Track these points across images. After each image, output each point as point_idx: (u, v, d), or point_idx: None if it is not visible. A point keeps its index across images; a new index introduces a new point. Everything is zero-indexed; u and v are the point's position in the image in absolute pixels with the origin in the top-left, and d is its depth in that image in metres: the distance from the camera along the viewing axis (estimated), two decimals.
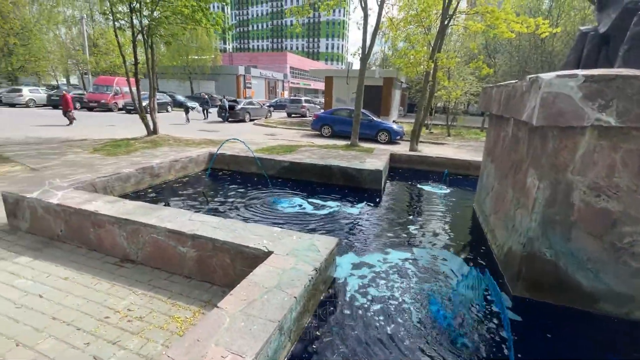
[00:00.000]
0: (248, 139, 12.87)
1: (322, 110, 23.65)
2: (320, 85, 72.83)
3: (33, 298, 2.63)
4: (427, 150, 11.86)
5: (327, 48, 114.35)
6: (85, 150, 9.09)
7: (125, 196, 4.86)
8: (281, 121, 22.48)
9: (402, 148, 12.79)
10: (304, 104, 27.82)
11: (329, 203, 4.93)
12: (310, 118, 26.80)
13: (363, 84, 11.33)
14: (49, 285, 2.81)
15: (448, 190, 5.84)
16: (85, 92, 25.95)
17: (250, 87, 44.12)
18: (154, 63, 11.26)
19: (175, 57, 35.23)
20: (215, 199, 5.01)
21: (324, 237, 2.85)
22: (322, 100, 37.79)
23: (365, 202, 5.15)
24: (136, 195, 4.95)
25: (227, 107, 20.40)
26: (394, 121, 20.43)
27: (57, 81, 40.60)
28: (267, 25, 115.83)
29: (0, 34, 23.06)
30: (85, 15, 31.95)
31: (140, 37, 10.89)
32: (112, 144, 9.98)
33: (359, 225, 4.22)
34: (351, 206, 4.85)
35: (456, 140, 17.97)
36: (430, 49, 10.33)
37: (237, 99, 23.88)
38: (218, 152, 6.07)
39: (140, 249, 3.12)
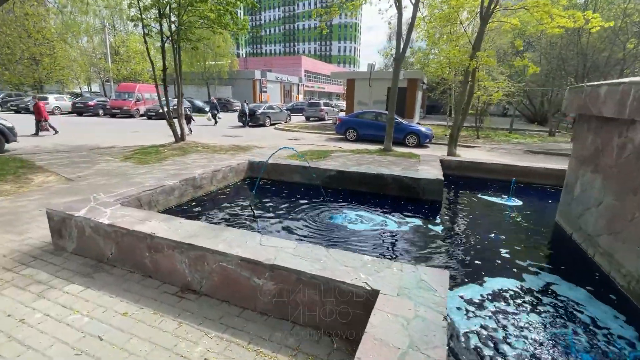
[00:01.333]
0: (272, 144, 12.53)
1: (344, 114, 23.22)
2: (335, 88, 72.65)
3: (93, 341, 2.24)
4: (461, 154, 11.22)
5: (339, 51, 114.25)
6: (115, 158, 8.89)
7: (169, 211, 4.50)
8: (301, 125, 22.13)
9: (434, 152, 12.19)
10: (322, 107, 27.45)
11: (389, 218, 4.44)
12: (330, 121, 26.48)
13: (397, 85, 10.81)
14: (107, 323, 2.42)
15: (517, 202, 5.25)
16: (107, 99, 26.33)
17: (265, 92, 44.18)
18: (181, 68, 11.05)
19: (194, 63, 35.59)
20: (265, 214, 4.59)
21: (431, 270, 2.36)
22: (337, 103, 37.46)
23: (427, 217, 4.65)
24: (180, 210, 4.59)
25: (247, 111, 20.19)
26: (418, 123, 19.81)
27: (80, 89, 41.59)
28: (279, 30, 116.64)
29: (27, 44, 23.63)
30: (107, 23, 32.59)
31: (167, 43, 10.72)
32: (141, 151, 9.77)
33: (432, 245, 3.71)
34: (414, 222, 4.35)
35: (486, 142, 17.18)
36: (471, 47, 9.74)
37: (258, 103, 23.71)
38: (269, 161, 5.64)
39: (205, 279, 2.71)
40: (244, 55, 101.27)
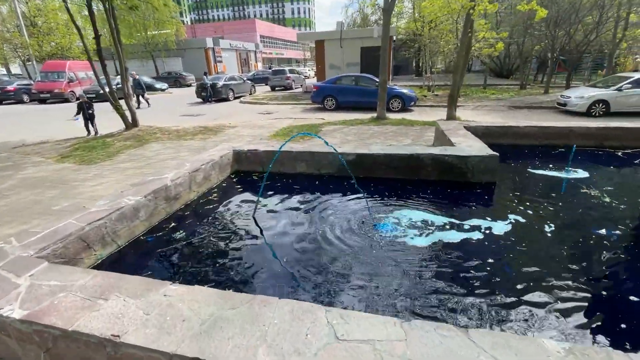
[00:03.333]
0: (246, 122, 10.78)
1: (312, 82, 21.40)
2: (294, 54, 68.62)
3: None
4: (434, 117, 10.25)
5: (292, 13, 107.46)
6: (48, 158, 6.84)
7: (135, 244, 3.00)
8: (270, 96, 20.07)
9: (422, 116, 11.17)
10: (288, 75, 25.26)
11: (454, 217, 3.29)
12: (299, 90, 24.49)
13: (387, 41, 9.39)
14: None
15: (581, 174, 4.31)
16: (32, 82, 22.08)
17: (221, 61, 40.25)
18: (119, 35, 8.70)
19: (133, 34, 30.87)
20: (282, 229, 3.23)
21: None
22: (299, 70, 34.99)
23: (490, 206, 3.57)
24: (154, 240, 3.10)
25: (209, 85, 17.77)
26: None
27: None
28: None
29: None
30: None
31: (96, 6, 8.24)
32: (84, 145, 7.70)
33: (541, 261, 2.64)
34: (483, 218, 3.24)
35: (467, 101, 16.52)
36: None
37: (217, 75, 21.09)
38: (282, 148, 4.06)
39: None
40: (189, 23, 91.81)
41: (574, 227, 3.11)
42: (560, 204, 3.56)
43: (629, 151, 5.03)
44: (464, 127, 5.69)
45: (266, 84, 28.04)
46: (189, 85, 31.22)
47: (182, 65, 37.05)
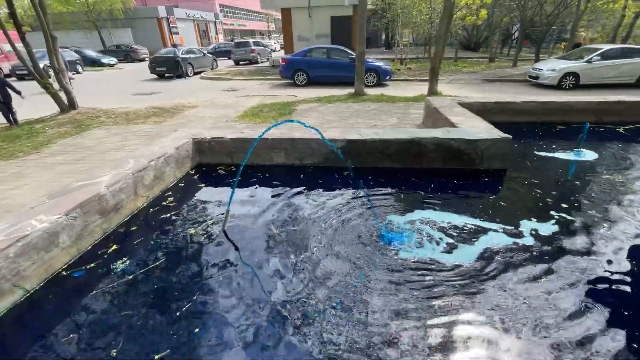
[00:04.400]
0: (206, 100, 9.55)
1: (277, 54, 19.97)
2: (258, 25, 64.53)
3: None
4: (424, 90, 9.70)
5: None
6: None
7: (55, 284, 2.12)
8: (234, 71, 18.41)
9: (398, 91, 10.53)
10: (253, 48, 23.32)
11: (475, 216, 2.70)
12: (265, 64, 22.79)
13: (365, 6, 8.42)
14: None
15: (591, 156, 3.89)
16: None
17: (177, 33, 36.69)
18: None
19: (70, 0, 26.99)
20: (260, 250, 2.47)
21: None
22: (266, 42, 32.79)
23: (511, 201, 3.04)
24: (84, 272, 2.22)
25: (180, 58, 16.02)
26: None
27: None
28: None
29: None
30: None
31: None
32: (4, 134, 6.25)
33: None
34: (511, 219, 2.69)
35: (441, 74, 16.01)
36: None
37: (176, 46, 18.95)
38: (264, 135, 3.11)
39: None
40: None
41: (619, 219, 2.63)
42: (583, 193, 3.09)
43: (630, 127, 4.72)
44: (458, 103, 5.10)
45: (229, 58, 25.92)
46: (142, 60, 28.19)
47: (132, 37, 33.33)
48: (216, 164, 3.97)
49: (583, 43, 20.74)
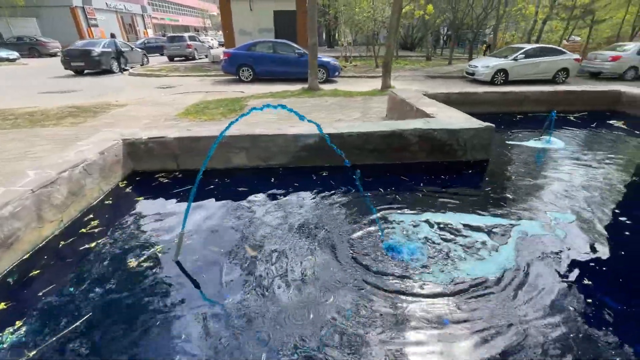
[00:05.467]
0: (138, 98, 8.27)
1: (219, 50, 18.71)
2: (193, 21, 60.48)
3: None
4: (377, 86, 9.67)
5: None
6: None
7: None
8: (168, 67, 16.67)
9: (349, 87, 10.36)
10: (189, 43, 21.53)
11: (484, 217, 2.38)
12: (204, 60, 21.15)
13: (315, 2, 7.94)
14: None
15: (559, 144, 3.91)
16: None
17: (96, 25, 32.54)
18: None
19: None
20: (230, 286, 1.83)
21: None
22: (203, 39, 30.70)
23: (507, 193, 2.80)
24: None
25: (120, 49, 14.09)
26: None
27: None
28: None
29: None
30: None
31: None
32: None
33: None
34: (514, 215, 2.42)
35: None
36: None
37: (91, 40, 16.55)
38: (225, 133, 2.33)
39: None
40: None
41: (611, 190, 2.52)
42: (567, 182, 2.99)
43: (578, 115, 4.97)
44: (424, 94, 4.90)
45: (162, 54, 23.65)
46: (53, 55, 24.32)
47: (38, 29, 28.64)
48: (156, 170, 3.15)
49: (489, 43, 23.01)
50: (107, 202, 2.65)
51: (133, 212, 2.51)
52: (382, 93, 8.37)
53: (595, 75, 13.89)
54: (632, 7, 20.17)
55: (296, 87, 9.42)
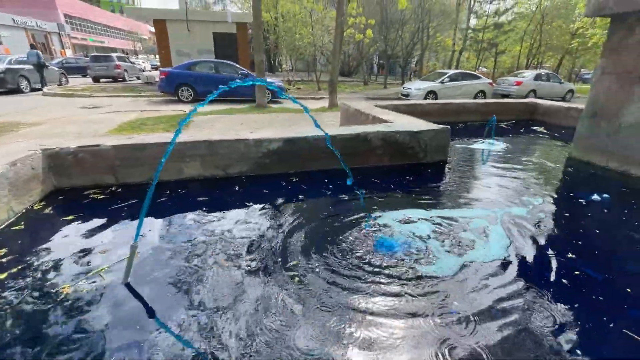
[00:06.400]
0: (58, 117, 7.22)
1: (153, 73, 17.76)
2: (122, 44, 56.72)
3: None
4: (317, 105, 9.98)
5: None
6: None
7: None
8: (93, 87, 15.11)
9: (296, 106, 10.48)
10: (118, 63, 19.90)
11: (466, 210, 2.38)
12: (136, 82, 19.67)
13: (259, 15, 7.94)
14: None
15: (500, 144, 4.28)
16: None
17: (0, 42, 28.52)
18: None
19: None
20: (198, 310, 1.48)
21: None
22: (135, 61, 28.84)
23: (461, 188, 2.89)
24: None
25: (43, 62, 12.20)
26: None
27: None
28: None
29: None
30: None
31: None
32: None
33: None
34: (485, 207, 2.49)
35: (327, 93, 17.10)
36: None
37: (35, 47, 14.41)
38: (174, 140, 1.92)
39: None
40: None
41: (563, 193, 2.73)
42: (516, 174, 3.23)
43: (508, 122, 5.57)
44: (375, 105, 5.05)
45: (85, 75, 21.46)
46: None
47: None
48: (88, 186, 2.62)
49: (416, 69, 25.74)
50: (18, 226, 2.07)
51: (54, 237, 1.99)
52: (330, 109, 8.55)
53: (506, 97, 16.10)
54: (525, 43, 24.36)
55: (242, 106, 9.16)
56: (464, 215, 2.28)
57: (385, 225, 2.12)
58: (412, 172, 3.19)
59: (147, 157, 2.67)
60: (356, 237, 1.99)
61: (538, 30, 22.81)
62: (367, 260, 1.75)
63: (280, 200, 2.49)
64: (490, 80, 15.68)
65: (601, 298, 1.52)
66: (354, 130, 3.13)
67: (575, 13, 21.53)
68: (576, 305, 1.45)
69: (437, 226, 2.12)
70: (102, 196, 2.52)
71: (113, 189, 2.64)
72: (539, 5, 22.22)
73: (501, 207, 2.41)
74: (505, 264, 1.73)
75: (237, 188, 2.73)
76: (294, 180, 2.89)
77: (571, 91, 17.02)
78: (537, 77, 16.17)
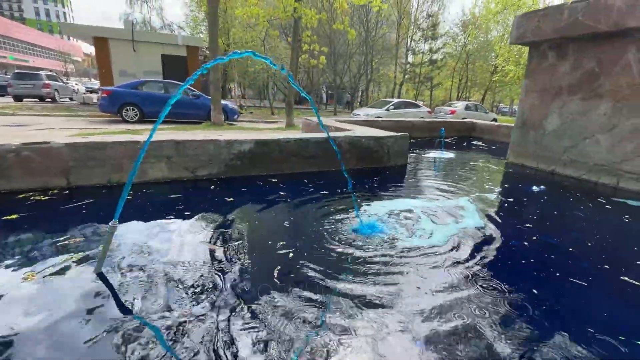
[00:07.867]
0: None
1: (94, 93, 16.52)
2: (49, 63, 51.91)
3: None
4: (273, 126, 10.20)
5: (37, 14, 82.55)
6: None
7: None
8: (16, 106, 13.47)
9: (252, 126, 10.53)
10: (47, 82, 18.09)
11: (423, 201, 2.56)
12: (71, 103, 17.98)
13: (216, 33, 7.98)
14: None
15: (449, 154, 4.74)
16: None
17: None
18: None
19: None
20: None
21: None
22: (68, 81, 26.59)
23: (421, 186, 3.15)
24: None
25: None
26: None
27: None
28: None
29: None
30: None
31: None
32: None
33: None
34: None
35: (281, 118, 17.40)
36: None
37: None
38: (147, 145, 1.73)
39: None
40: None
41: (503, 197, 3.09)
42: (471, 175, 3.60)
43: (451, 138, 6.21)
44: (336, 120, 5.30)
45: (4, 95, 19.06)
46: None
47: None
48: (34, 189, 2.32)
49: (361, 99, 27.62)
50: None
51: None
52: (288, 129, 8.68)
53: None
54: (455, 79, 27.77)
55: (195, 126, 8.89)
56: (427, 206, 2.46)
57: (370, 215, 2.21)
58: (378, 174, 3.37)
59: (107, 156, 2.46)
60: (336, 230, 2.03)
61: (465, 68, 26.27)
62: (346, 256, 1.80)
63: (252, 203, 2.45)
64: (429, 109, 17.39)
65: (553, 257, 1.74)
66: (324, 135, 3.25)
67: (491, 55, 25.27)
68: (532, 269, 1.65)
69: (408, 213, 2.26)
70: (47, 198, 2.24)
71: (65, 192, 2.36)
72: (464, 47, 25.75)
73: (459, 197, 2.66)
74: (462, 244, 1.90)
75: (206, 191, 2.62)
76: (267, 182, 2.87)
77: (495, 120, 19.57)
78: (467, 108, 18.34)
